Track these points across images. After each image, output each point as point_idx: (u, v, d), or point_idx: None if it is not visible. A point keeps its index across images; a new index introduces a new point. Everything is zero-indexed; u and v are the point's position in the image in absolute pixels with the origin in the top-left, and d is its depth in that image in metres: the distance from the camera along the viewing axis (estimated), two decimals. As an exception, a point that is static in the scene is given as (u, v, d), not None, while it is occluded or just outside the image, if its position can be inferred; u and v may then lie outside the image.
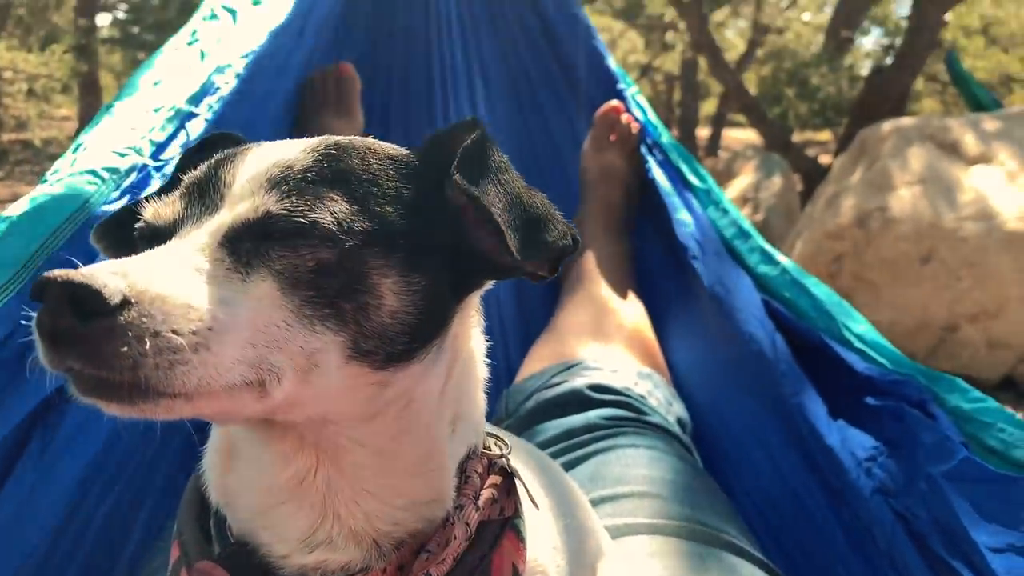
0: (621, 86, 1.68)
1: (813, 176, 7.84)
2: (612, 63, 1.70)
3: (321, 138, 0.69)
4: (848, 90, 11.04)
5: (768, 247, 1.37)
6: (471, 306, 0.73)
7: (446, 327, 0.68)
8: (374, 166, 0.65)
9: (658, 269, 1.56)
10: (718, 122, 18.67)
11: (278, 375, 0.58)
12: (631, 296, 1.49)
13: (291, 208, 0.60)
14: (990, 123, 4.46)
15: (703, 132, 19.29)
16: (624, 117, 1.61)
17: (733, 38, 16.01)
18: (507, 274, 0.68)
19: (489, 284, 0.73)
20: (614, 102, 1.61)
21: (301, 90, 1.54)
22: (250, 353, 0.57)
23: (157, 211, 0.66)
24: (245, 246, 0.60)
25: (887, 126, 4.66)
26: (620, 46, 12.83)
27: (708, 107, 21.22)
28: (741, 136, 17.75)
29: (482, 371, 0.77)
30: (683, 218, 1.43)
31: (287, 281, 0.59)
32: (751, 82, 17.01)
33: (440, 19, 1.72)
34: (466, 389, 0.74)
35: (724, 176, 7.17)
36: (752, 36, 14.48)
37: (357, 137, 0.70)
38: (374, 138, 0.73)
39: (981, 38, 18.73)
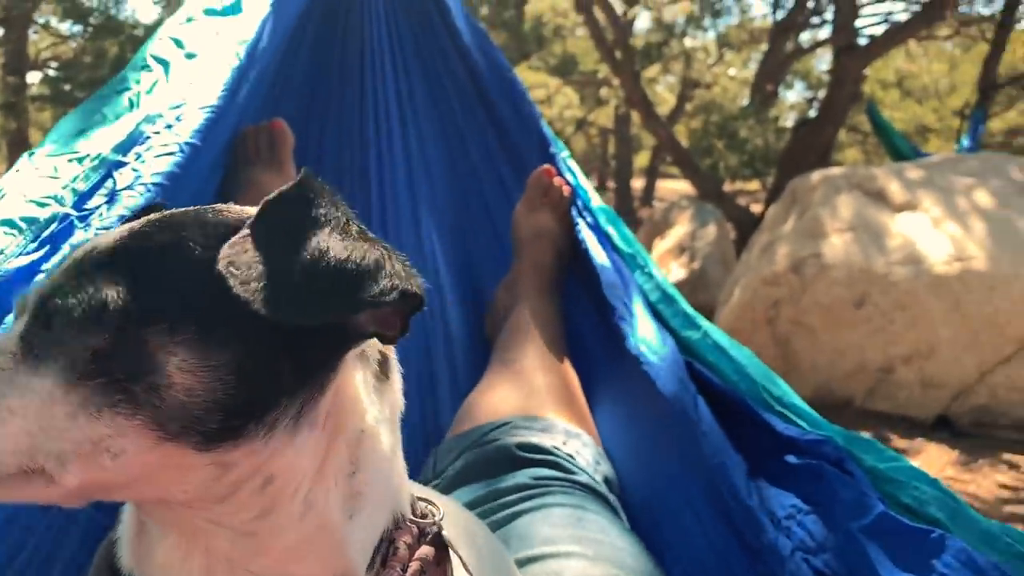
0: (553, 149, 1.70)
1: (745, 224, 8.05)
2: (545, 126, 1.73)
3: (151, 216, 0.67)
4: (775, 142, 11.45)
5: (691, 311, 1.39)
6: (349, 375, 0.68)
7: (296, 399, 0.63)
8: (186, 240, 0.63)
9: (587, 329, 1.57)
10: (652, 173, 19.13)
11: (62, 462, 0.59)
12: (561, 355, 1.49)
13: (64, 296, 0.60)
14: (913, 172, 4.66)
15: (638, 183, 19.75)
16: (556, 180, 1.63)
17: (664, 93, 16.51)
18: (353, 338, 0.64)
19: (367, 347, 0.69)
20: (547, 166, 1.64)
21: (232, 144, 1.52)
22: (24, 443, 0.58)
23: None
24: (36, 338, 0.60)
25: (816, 176, 4.83)
26: (556, 101, 13.11)
27: (642, 159, 21.76)
28: (676, 187, 18.21)
29: (389, 441, 0.72)
30: (611, 280, 1.44)
31: (68, 369, 0.59)
32: (683, 135, 17.50)
33: (376, 85, 1.73)
34: (365, 463, 0.69)
35: (661, 226, 7.32)
36: (682, 91, 14.96)
37: (196, 209, 0.68)
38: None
39: (897, 91, 19.72)
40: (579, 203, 1.67)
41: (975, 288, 3.74)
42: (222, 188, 1.50)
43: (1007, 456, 3.26)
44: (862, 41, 9.83)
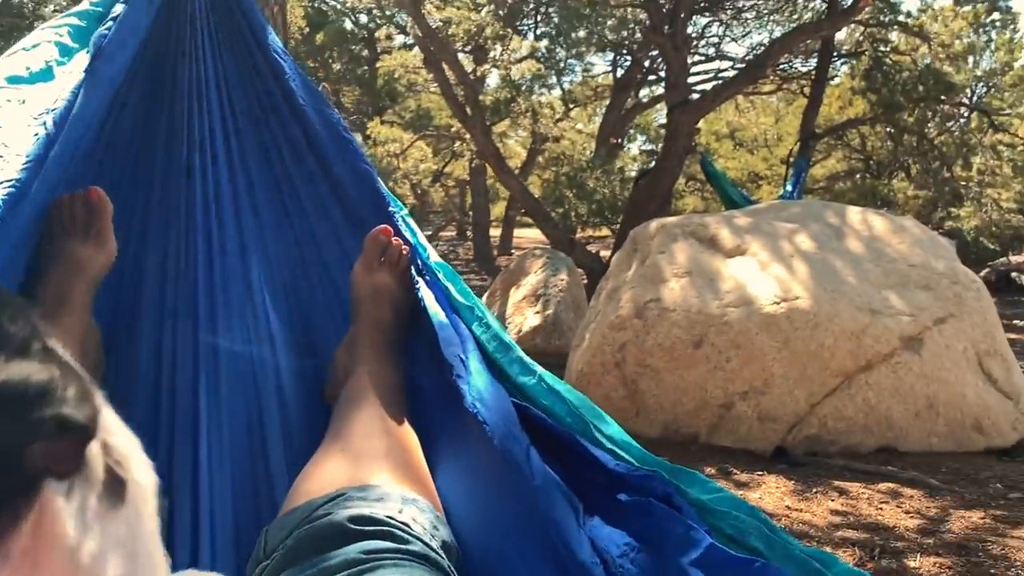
0: (391, 208, 1.72)
1: (596, 270, 8.35)
2: (381, 185, 1.75)
3: None
4: (620, 191, 11.97)
5: (526, 358, 1.44)
6: (50, 507, 0.56)
7: None
8: None
9: (428, 389, 1.58)
10: (509, 223, 19.53)
11: None
12: (401, 418, 1.50)
13: None
14: (741, 219, 4.99)
15: (497, 232, 20.09)
16: (394, 240, 1.64)
17: (515, 146, 16.99)
18: (30, 474, 0.54)
19: (91, 466, 0.58)
20: (384, 225, 1.65)
21: (47, 214, 1.45)
22: None
23: None
24: None
25: (654, 225, 5.08)
26: (411, 155, 13.20)
27: (500, 209, 22.20)
28: (534, 235, 18.67)
29: (124, 571, 0.60)
30: (450, 336, 1.47)
31: None
32: (535, 185, 18.01)
33: (205, 147, 1.70)
34: None
35: (516, 274, 7.47)
36: (532, 144, 15.43)
37: None
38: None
39: (730, 141, 21.12)
40: (418, 261, 1.69)
41: (801, 326, 4.02)
42: (33, 262, 1.42)
43: (837, 483, 3.48)
44: (695, 96, 10.51)
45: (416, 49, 11.00)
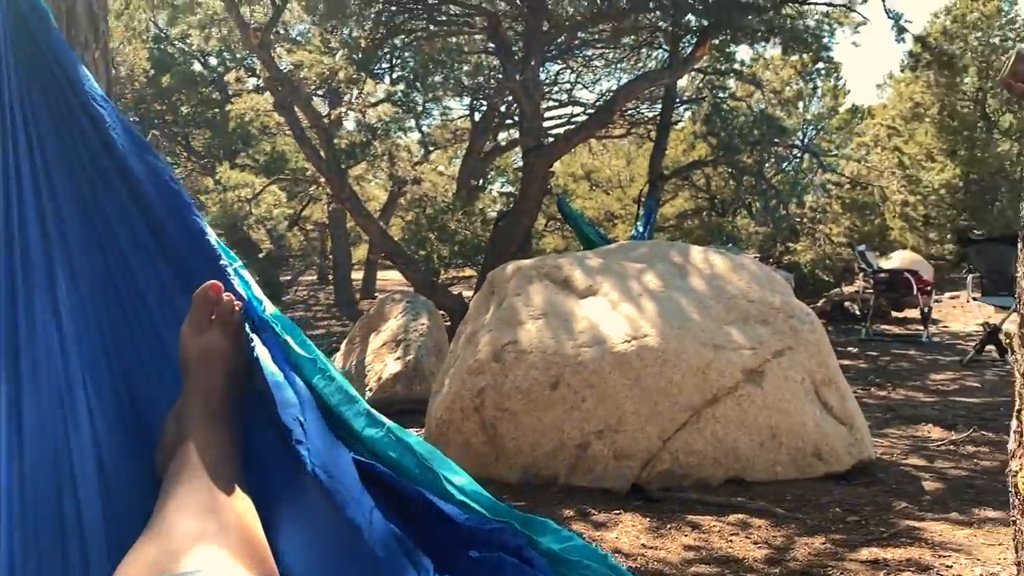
0: (223, 262, 1.62)
1: (459, 313, 8.34)
2: (213, 238, 1.65)
3: None
4: (482, 232, 12.08)
5: (372, 410, 1.39)
6: None
7: None
8: None
9: (266, 456, 1.49)
10: (371, 266, 19.29)
11: None
12: (236, 490, 1.39)
13: None
14: (593, 260, 5.12)
15: (359, 275, 19.80)
16: (225, 296, 1.54)
17: (374, 189, 16.87)
18: None
19: None
20: (213, 281, 1.54)
21: None
22: None
23: None
24: None
25: (510, 267, 5.13)
26: (264, 200, 12.84)
27: (361, 252, 21.91)
28: (398, 277, 18.51)
29: None
30: (287, 397, 1.40)
31: None
32: (397, 227, 17.92)
33: (12, 207, 1.56)
34: None
35: (376, 320, 7.35)
36: (392, 187, 15.37)
37: None
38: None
39: (586, 182, 21.81)
40: (253, 317, 1.60)
41: (650, 363, 4.14)
42: None
43: (690, 517, 3.57)
44: (550, 140, 10.79)
45: (268, 92, 10.76)
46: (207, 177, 17.82)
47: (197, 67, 17.05)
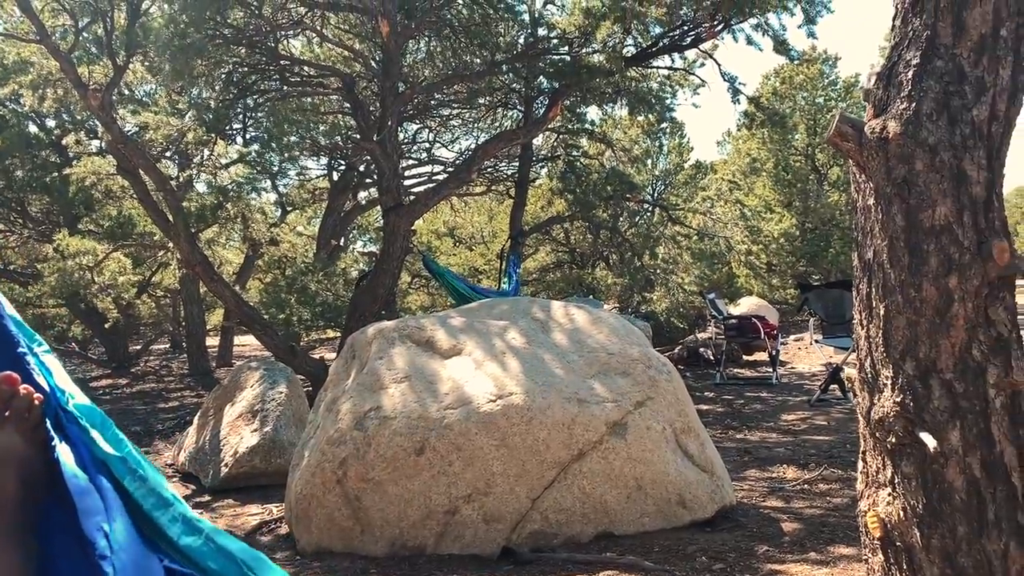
0: (22, 348, 1.45)
1: (321, 378, 8.07)
2: (9, 322, 1.48)
3: None
4: (344, 292, 11.84)
5: (191, 514, 1.27)
6: None
7: None
8: None
9: (65, 574, 1.33)
10: (228, 331, 18.49)
11: None
12: None
13: None
14: (456, 319, 5.08)
15: (215, 341, 18.91)
16: (23, 388, 1.35)
17: (228, 252, 16.28)
18: None
19: None
20: (8, 372, 1.36)
21: None
22: None
23: None
24: None
25: (371, 329, 5.01)
26: (108, 267, 12.10)
27: (217, 316, 20.99)
28: (257, 342, 17.81)
29: None
30: (92, 504, 1.25)
31: None
32: (255, 290, 17.31)
33: None
34: None
35: (231, 390, 6.99)
36: (248, 250, 14.87)
37: None
38: None
39: (449, 239, 21.91)
40: (55, 411, 1.42)
41: (517, 421, 4.11)
42: None
43: (561, 576, 3.53)
44: (410, 199, 10.77)
45: (110, 155, 10.24)
46: (46, 244, 16.69)
47: (33, 129, 16.05)
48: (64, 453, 1.36)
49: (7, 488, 1.35)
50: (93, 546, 1.21)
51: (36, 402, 1.43)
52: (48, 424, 1.42)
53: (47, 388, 1.47)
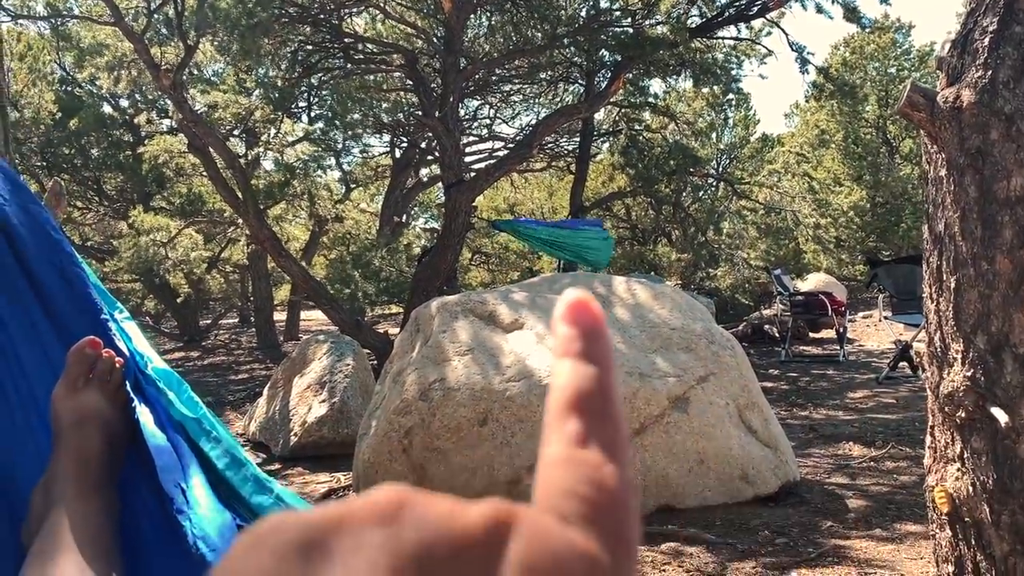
0: (104, 315, 1.54)
1: (385, 352, 8.23)
2: (94, 288, 1.57)
3: None
4: (407, 269, 12.00)
5: (262, 475, 1.34)
6: None
7: None
8: None
9: (146, 527, 1.41)
10: (294, 307, 18.93)
11: None
12: (106, 569, 1.30)
13: None
14: (518, 294, 5.12)
15: (282, 316, 19.40)
16: (105, 352, 1.44)
17: (294, 229, 16.63)
18: None
19: None
20: (91, 337, 1.45)
21: None
22: None
23: None
24: None
25: (435, 304, 5.09)
26: (181, 243, 12.50)
27: (284, 292, 21.50)
28: (323, 317, 18.21)
29: None
30: (169, 462, 1.33)
31: None
32: (320, 266, 17.66)
33: None
34: None
35: (299, 363, 7.19)
36: (313, 226, 15.16)
37: None
38: None
39: (509, 215, 21.93)
40: (135, 374, 1.51)
41: (578, 394, 4.14)
42: None
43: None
44: (471, 175, 10.83)
45: (181, 134, 10.55)
46: (120, 221, 17.28)
47: (107, 109, 16.59)
48: (143, 414, 1.44)
49: (92, 445, 1.44)
50: (171, 501, 1.29)
51: (118, 365, 1.51)
52: (128, 386, 1.51)
53: (127, 352, 1.55)
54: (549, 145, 14.84)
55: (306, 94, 12.43)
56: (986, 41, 2.06)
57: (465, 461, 4.13)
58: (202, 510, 1.27)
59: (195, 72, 12.01)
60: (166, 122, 14.86)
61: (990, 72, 2.03)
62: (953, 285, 2.11)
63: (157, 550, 1.34)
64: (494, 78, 12.50)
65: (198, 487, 1.30)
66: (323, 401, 6.38)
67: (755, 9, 9.66)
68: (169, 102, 10.44)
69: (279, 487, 1.32)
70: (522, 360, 4.37)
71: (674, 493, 4.11)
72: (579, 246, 9.54)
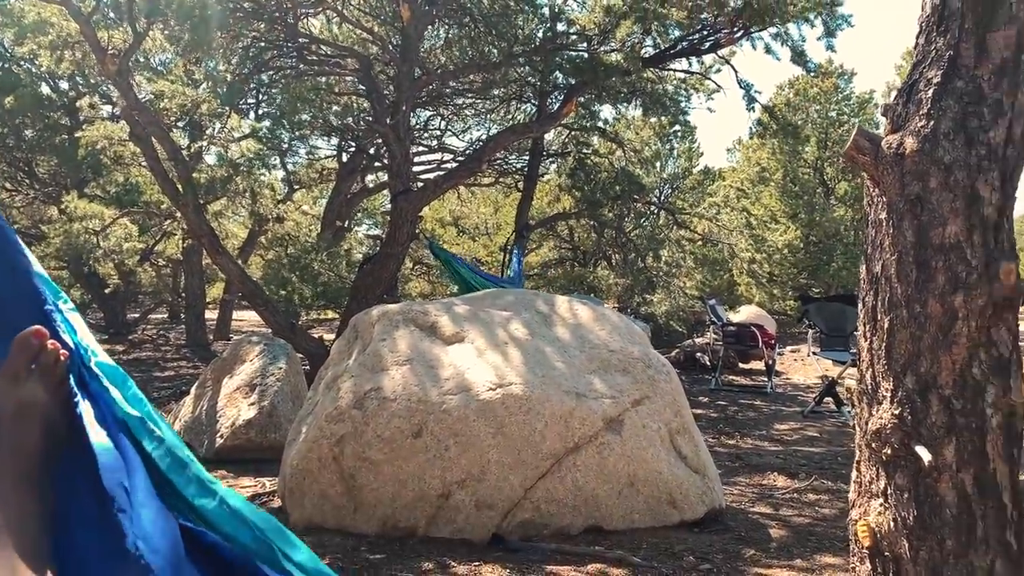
0: (49, 305, 1.49)
1: (319, 357, 8.11)
2: (39, 278, 1.51)
3: None
4: (346, 275, 11.87)
5: (206, 476, 1.31)
6: None
7: None
8: None
9: (83, 527, 1.36)
10: (227, 306, 18.53)
11: None
12: (40, 566, 1.25)
13: None
14: (460, 307, 5.11)
15: (214, 315, 18.96)
16: (49, 343, 1.38)
17: (233, 226, 16.31)
18: None
19: None
20: (36, 327, 1.39)
21: None
22: None
23: None
24: None
25: (376, 311, 5.05)
26: (114, 232, 12.14)
27: (217, 290, 21.03)
28: (255, 318, 17.84)
29: None
30: (111, 461, 1.29)
31: None
32: (257, 266, 17.34)
33: None
34: None
35: (229, 363, 7.03)
36: (253, 225, 14.89)
37: None
38: None
39: (453, 228, 21.92)
40: (79, 367, 1.45)
41: (515, 411, 4.15)
42: None
43: (550, 568, 3.56)
44: (419, 185, 10.79)
45: (123, 121, 10.26)
46: (51, 206, 16.71)
47: (45, 90, 16.05)
48: (85, 409, 1.39)
49: (31, 439, 1.38)
50: (113, 501, 1.24)
51: (62, 358, 1.45)
52: (72, 380, 1.45)
53: (72, 345, 1.49)
54: (498, 161, 14.89)
55: (256, 91, 12.25)
56: (930, 92, 2.14)
57: (396, 472, 4.09)
58: (144, 510, 1.23)
59: (142, 59, 11.72)
60: (108, 108, 14.46)
61: (932, 122, 2.12)
62: (886, 325, 2.19)
63: (93, 548, 1.29)
64: (448, 90, 12.51)
65: (141, 490, 1.26)
66: (252, 404, 6.25)
67: (707, 44, 9.89)
68: (113, 88, 10.16)
69: (223, 488, 1.29)
70: (461, 373, 4.36)
71: (603, 514, 4.13)
72: None
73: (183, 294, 18.79)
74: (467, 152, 15.01)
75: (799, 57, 9.61)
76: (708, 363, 12.40)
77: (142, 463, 1.31)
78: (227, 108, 9.35)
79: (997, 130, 2.09)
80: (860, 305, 2.33)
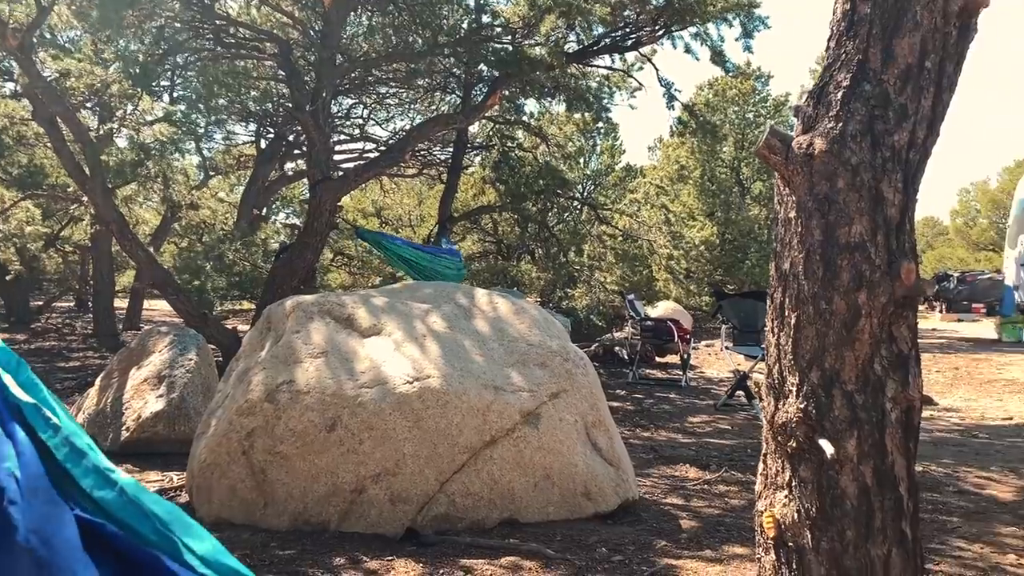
0: None
1: (232, 348, 7.89)
2: None
3: None
4: (262, 264, 11.60)
5: (105, 465, 1.25)
6: None
7: None
8: None
9: None
10: (137, 294, 17.89)
11: None
12: None
13: None
14: (378, 299, 5.03)
15: (123, 303, 18.29)
16: None
17: (145, 213, 15.74)
18: None
19: None
20: None
21: None
22: None
23: None
24: None
25: (290, 302, 4.93)
26: (17, 215, 11.57)
27: (128, 278, 20.29)
28: (168, 307, 17.26)
29: None
30: (2, 450, 1.22)
31: None
32: (170, 254, 16.79)
33: None
34: None
35: (139, 353, 6.77)
36: (166, 212, 14.40)
37: None
38: None
39: (376, 219, 21.68)
40: None
41: (432, 404, 4.11)
42: None
43: (464, 561, 3.54)
44: (339, 174, 10.60)
45: (26, 99, 9.77)
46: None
47: (-60, 64, 15.15)
48: (-28, 397, 1.30)
49: None
50: (2, 492, 1.17)
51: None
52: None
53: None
54: (422, 152, 14.77)
55: (170, 73, 11.81)
56: (839, 95, 2.20)
57: (309, 467, 4.01)
58: (36, 501, 1.17)
59: (47, 36, 11.16)
60: (9, 85, 13.73)
61: (841, 124, 2.17)
62: (794, 321, 2.24)
63: None
64: (371, 79, 12.33)
65: (34, 478, 1.19)
66: (160, 396, 6.04)
67: (630, 42, 10.00)
68: (15, 64, 9.65)
69: (123, 477, 1.23)
70: (377, 366, 4.29)
71: (519, 507, 4.13)
72: (435, 271, 9.54)
73: (91, 282, 18.06)
74: (390, 142, 14.83)
75: (718, 57, 9.81)
76: (626, 357, 12.58)
77: (36, 452, 1.24)
78: (139, 90, 8.98)
79: (901, 133, 2.16)
80: (769, 301, 2.38)
